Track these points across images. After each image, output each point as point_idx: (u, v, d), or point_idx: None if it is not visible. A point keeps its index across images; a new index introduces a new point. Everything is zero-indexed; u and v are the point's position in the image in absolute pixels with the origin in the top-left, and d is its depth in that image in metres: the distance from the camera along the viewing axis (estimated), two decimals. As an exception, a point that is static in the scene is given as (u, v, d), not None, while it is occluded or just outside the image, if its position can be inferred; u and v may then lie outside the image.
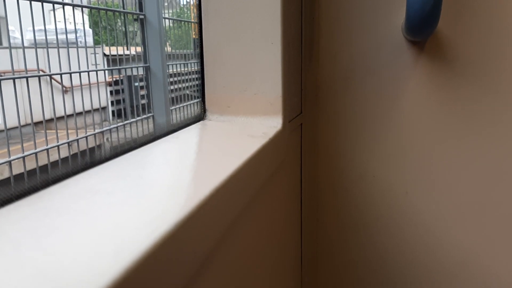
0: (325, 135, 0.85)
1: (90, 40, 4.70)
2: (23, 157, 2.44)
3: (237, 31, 0.64)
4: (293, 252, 0.85)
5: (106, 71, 4.05)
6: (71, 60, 2.98)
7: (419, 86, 0.78)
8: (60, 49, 2.91)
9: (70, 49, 2.92)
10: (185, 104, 4.49)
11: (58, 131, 2.77)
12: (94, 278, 0.22)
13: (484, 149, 0.76)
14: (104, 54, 4.90)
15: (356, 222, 0.86)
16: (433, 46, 0.76)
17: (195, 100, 4.73)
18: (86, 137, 3.04)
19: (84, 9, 3.28)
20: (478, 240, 0.79)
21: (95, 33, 4.88)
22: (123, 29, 3.92)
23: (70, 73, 2.94)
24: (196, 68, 4.82)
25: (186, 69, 4.65)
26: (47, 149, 2.63)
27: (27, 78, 2.47)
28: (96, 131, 3.23)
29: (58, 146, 2.74)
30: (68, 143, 2.89)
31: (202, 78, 0.66)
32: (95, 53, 3.96)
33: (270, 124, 0.65)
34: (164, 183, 0.40)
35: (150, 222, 0.30)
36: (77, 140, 2.97)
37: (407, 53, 0.77)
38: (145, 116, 3.65)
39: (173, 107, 4.17)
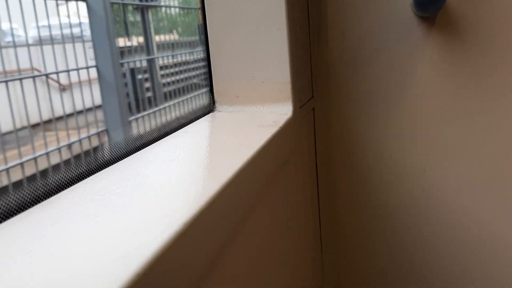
0: (338, 118, 0.90)
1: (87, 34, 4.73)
2: (21, 163, 2.45)
3: (241, 19, 0.69)
4: (312, 235, 0.91)
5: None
6: (68, 56, 2.99)
7: (431, 62, 0.81)
8: (57, 46, 2.96)
9: (66, 44, 2.96)
10: (184, 97, 4.42)
11: (58, 132, 2.81)
12: (103, 285, 0.26)
13: (500, 122, 0.80)
14: None
15: (374, 203, 0.90)
16: (443, 20, 0.79)
17: (196, 92, 4.65)
18: (89, 137, 3.06)
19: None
20: (498, 215, 0.83)
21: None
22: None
23: (57, 73, 2.90)
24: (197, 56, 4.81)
25: (192, 57, 4.65)
26: (47, 153, 2.63)
27: (20, 79, 2.48)
28: (99, 130, 3.24)
29: (59, 149, 2.76)
30: (69, 145, 2.91)
31: (209, 69, 0.72)
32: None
33: (281, 112, 0.70)
34: (172, 181, 0.44)
35: (158, 223, 0.34)
36: (80, 140, 3.01)
37: (417, 29, 0.81)
38: (94, 132, 3.04)
39: (169, 103, 4.10)
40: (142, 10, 4.30)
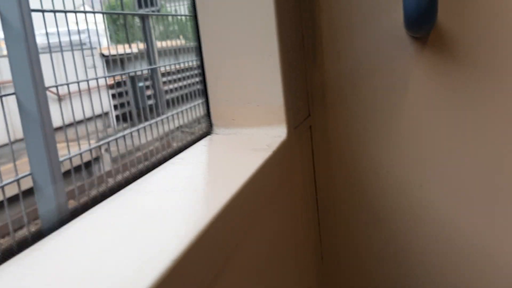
0: (336, 135, 0.94)
1: (96, 40, 4.61)
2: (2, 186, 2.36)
3: (235, 48, 0.73)
4: (312, 252, 0.95)
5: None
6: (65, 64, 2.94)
7: (426, 79, 0.85)
8: (56, 54, 2.96)
9: (64, 52, 2.97)
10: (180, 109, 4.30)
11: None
12: None
13: (496, 138, 0.84)
14: (103, 55, 4.93)
15: (372, 217, 0.94)
16: (435, 38, 0.83)
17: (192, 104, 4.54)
18: (81, 153, 3.00)
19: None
20: (495, 230, 0.86)
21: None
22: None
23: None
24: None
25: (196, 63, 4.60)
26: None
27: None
28: (93, 145, 3.17)
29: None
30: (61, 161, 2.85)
31: (205, 94, 0.76)
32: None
33: (275, 134, 0.74)
34: (167, 212, 0.49)
35: (148, 261, 0.38)
36: (81, 154, 2.99)
37: (410, 48, 0.85)
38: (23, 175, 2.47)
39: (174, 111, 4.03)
40: (143, 17, 4.36)
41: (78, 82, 3.15)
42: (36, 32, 2.50)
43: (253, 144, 0.71)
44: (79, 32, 3.60)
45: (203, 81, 0.76)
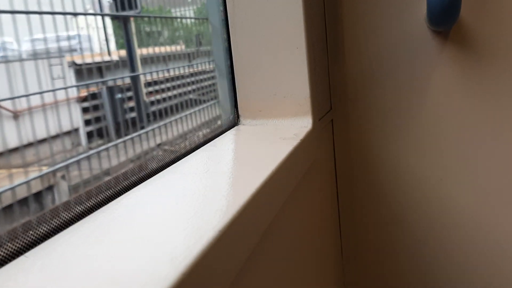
0: (357, 129, 0.98)
1: (88, 46, 4.39)
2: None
3: (263, 40, 0.78)
4: (333, 244, 0.98)
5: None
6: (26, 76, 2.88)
7: (447, 74, 0.90)
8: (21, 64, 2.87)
9: (24, 62, 2.88)
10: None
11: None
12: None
13: None
14: (74, 63, 4.77)
15: (393, 211, 0.99)
16: (457, 34, 0.88)
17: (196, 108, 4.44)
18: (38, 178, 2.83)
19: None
20: None
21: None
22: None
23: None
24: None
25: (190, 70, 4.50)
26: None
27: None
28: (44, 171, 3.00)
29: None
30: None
31: (233, 86, 0.80)
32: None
33: (301, 125, 0.79)
34: (204, 193, 0.52)
35: (196, 230, 0.41)
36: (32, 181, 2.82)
37: (431, 43, 0.90)
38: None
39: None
40: (125, 20, 4.30)
41: (28, 96, 3.01)
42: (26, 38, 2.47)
43: (280, 133, 0.75)
44: (58, 38, 3.53)
45: (231, 74, 0.80)
